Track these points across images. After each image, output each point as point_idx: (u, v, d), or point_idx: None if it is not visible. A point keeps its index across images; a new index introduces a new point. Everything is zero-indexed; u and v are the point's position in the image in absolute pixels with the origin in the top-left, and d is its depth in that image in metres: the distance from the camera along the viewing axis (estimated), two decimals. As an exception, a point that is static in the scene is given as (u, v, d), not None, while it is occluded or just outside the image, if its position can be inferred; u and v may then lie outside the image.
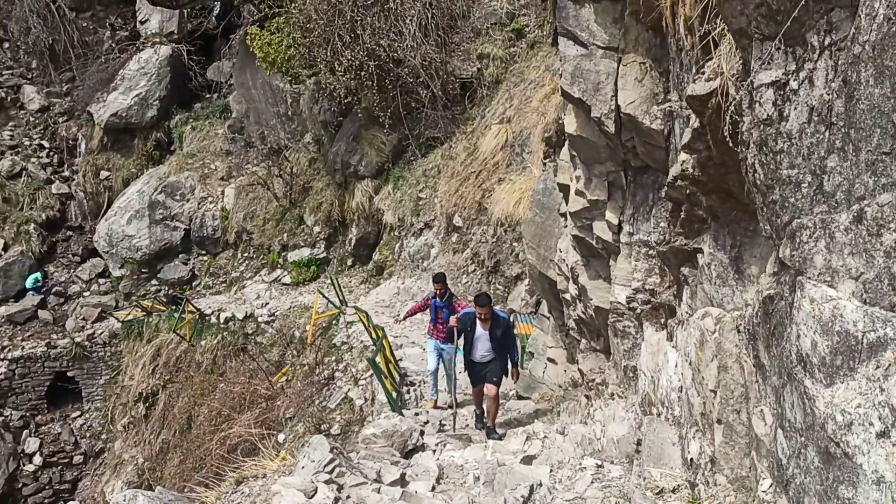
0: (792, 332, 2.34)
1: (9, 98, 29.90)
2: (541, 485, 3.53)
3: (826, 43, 2.07)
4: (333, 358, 14.28)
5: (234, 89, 26.49)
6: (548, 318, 9.13)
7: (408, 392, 10.27)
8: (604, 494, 3.55)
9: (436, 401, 9.92)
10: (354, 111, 20.87)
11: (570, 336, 7.77)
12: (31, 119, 29.66)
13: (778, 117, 2.33)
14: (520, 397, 9.35)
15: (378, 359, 9.37)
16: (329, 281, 19.37)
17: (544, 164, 9.71)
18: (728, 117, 2.58)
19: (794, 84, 2.24)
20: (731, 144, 2.62)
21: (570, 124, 5.27)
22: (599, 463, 3.99)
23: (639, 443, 4.12)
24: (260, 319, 19.88)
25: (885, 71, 1.84)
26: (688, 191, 3.43)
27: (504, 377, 8.87)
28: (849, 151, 2.01)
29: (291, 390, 14.00)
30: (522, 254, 12.43)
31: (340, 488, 4.36)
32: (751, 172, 2.52)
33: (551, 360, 8.89)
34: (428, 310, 10.04)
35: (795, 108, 2.24)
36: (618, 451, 4.48)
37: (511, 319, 9.83)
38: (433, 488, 4.80)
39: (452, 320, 9.02)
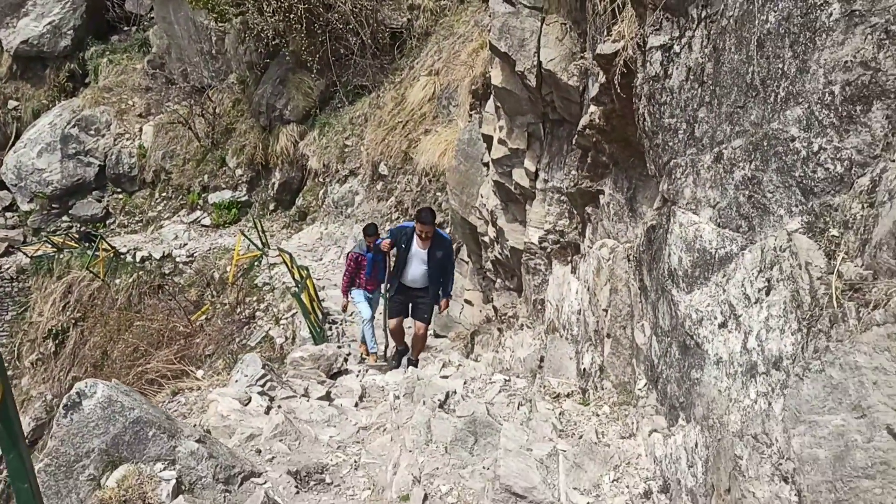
0: (665, 253, 2.86)
1: None
2: (455, 392, 4.02)
3: (703, 15, 2.54)
4: (255, 298, 14.50)
5: (154, 23, 25.72)
6: (466, 263, 9.63)
7: (330, 329, 10.66)
8: (509, 399, 4.07)
9: (375, 354, 8.96)
10: (282, 54, 20.71)
11: (486, 278, 8.30)
12: (-67, 41, 28.03)
13: (663, 75, 2.81)
14: (437, 335, 9.87)
15: (303, 297, 9.68)
16: (252, 224, 19.43)
17: (470, 115, 10.11)
18: (620, 74, 3.05)
19: (676, 48, 2.72)
20: (628, 97, 3.10)
21: (497, 77, 5.69)
22: (507, 378, 4.51)
23: (541, 360, 4.67)
24: (178, 260, 19.78)
25: (743, 41, 2.32)
26: (594, 139, 3.92)
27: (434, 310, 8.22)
28: (714, 105, 2.50)
29: (211, 328, 14.18)
30: (446, 202, 12.85)
31: (272, 399, 4.77)
32: (641, 121, 3.01)
33: (468, 302, 9.41)
34: (360, 269, 9.18)
35: (677, 68, 2.72)
36: (524, 368, 5.03)
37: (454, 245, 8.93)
38: (356, 404, 5.26)
39: (384, 244, 8.06)
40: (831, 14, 2.01)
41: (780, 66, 2.18)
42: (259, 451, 3.80)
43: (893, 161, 1.92)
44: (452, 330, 9.56)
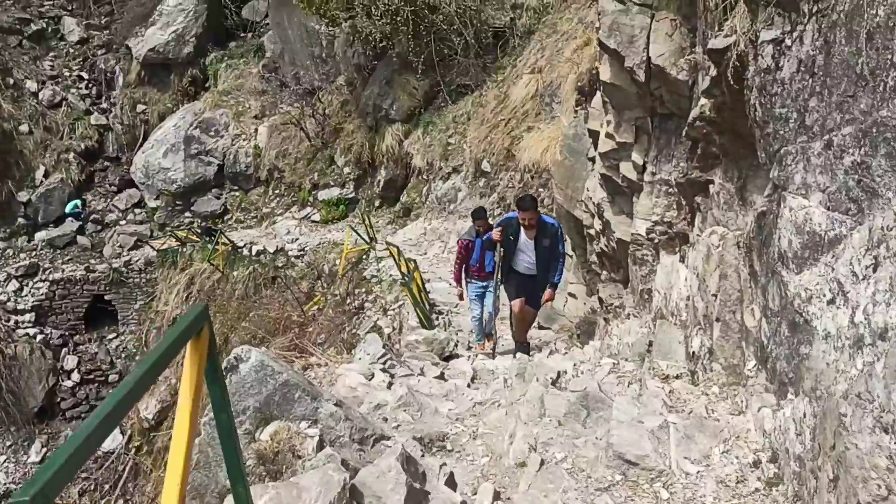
0: (775, 237, 3.01)
1: (49, 29, 30.31)
2: (566, 372, 4.26)
3: (814, 10, 2.69)
4: (363, 290, 15.10)
5: (269, 29, 26.88)
6: (571, 257, 9.80)
7: (437, 319, 11.04)
8: (619, 380, 4.27)
9: (483, 344, 8.93)
10: (388, 56, 21.29)
11: (591, 271, 8.46)
12: (71, 51, 30.08)
13: (775, 67, 2.96)
14: (540, 327, 10.08)
15: (411, 285, 10.08)
16: (359, 219, 20.12)
17: (576, 111, 10.28)
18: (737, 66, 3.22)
19: (788, 42, 2.87)
20: (739, 89, 3.26)
21: (605, 73, 5.88)
22: (616, 361, 4.71)
23: (650, 344, 4.84)
24: (290, 253, 20.75)
25: (853, 34, 2.47)
26: (705, 130, 4.07)
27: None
28: (824, 95, 2.65)
29: (323, 318, 14.85)
30: (549, 197, 13.01)
31: (392, 376, 5.14)
32: (752, 111, 3.17)
33: (572, 295, 9.60)
34: (471, 254, 9.10)
35: (788, 61, 2.87)
36: (632, 352, 5.21)
37: (560, 230, 8.47)
38: (468, 385, 5.57)
39: (495, 233, 7.99)
40: (938, 7, 2.15)
41: (889, 56, 2.33)
42: (385, 419, 4.16)
43: None
44: (556, 322, 9.75)
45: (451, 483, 3.17)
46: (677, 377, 4.06)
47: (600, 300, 7.63)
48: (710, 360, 3.87)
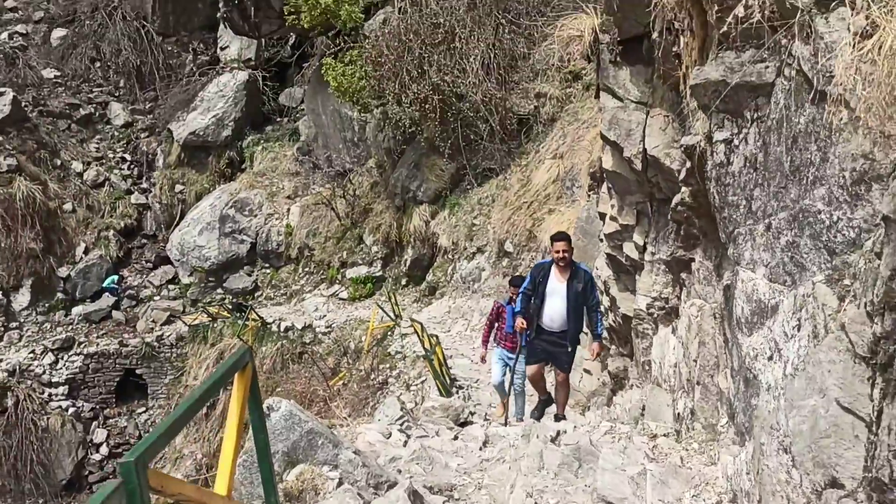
0: (734, 305, 3.48)
1: (97, 113, 31.90)
2: (565, 431, 4.67)
3: (754, 117, 3.23)
4: (388, 365, 15.55)
5: (304, 114, 28.16)
6: (586, 334, 10.21)
7: (456, 392, 11.42)
8: (613, 438, 4.67)
9: (506, 404, 8.82)
10: (417, 140, 22.23)
11: (603, 346, 8.86)
12: (116, 133, 31.54)
13: (727, 162, 3.50)
14: (556, 402, 10.37)
15: (433, 359, 10.50)
16: (385, 297, 20.68)
17: (588, 195, 10.86)
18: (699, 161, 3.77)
19: (736, 141, 3.41)
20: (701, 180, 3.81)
21: (607, 162, 6.47)
22: (612, 425, 5.10)
23: (643, 408, 5.24)
24: (318, 330, 21.29)
25: (783, 137, 3.01)
26: (685, 214, 4.60)
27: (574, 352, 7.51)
28: (764, 186, 3.17)
29: (348, 392, 15.26)
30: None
31: (408, 436, 5.58)
32: (713, 198, 3.69)
33: (587, 371, 9.96)
34: (500, 319, 9.15)
35: (737, 157, 3.41)
36: (628, 416, 5.60)
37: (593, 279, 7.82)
38: (480, 448, 5.96)
39: (519, 324, 7.48)
40: (842, 118, 2.69)
41: (809, 156, 2.86)
42: (399, 471, 4.58)
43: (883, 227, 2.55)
44: (572, 398, 10.07)
45: (452, 518, 3.59)
46: (665, 435, 4.46)
47: (609, 374, 8.03)
48: (692, 420, 4.28)
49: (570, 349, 7.58)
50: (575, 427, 5.03)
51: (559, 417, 7.36)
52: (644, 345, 6.41)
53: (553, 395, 7.90)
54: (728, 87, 3.16)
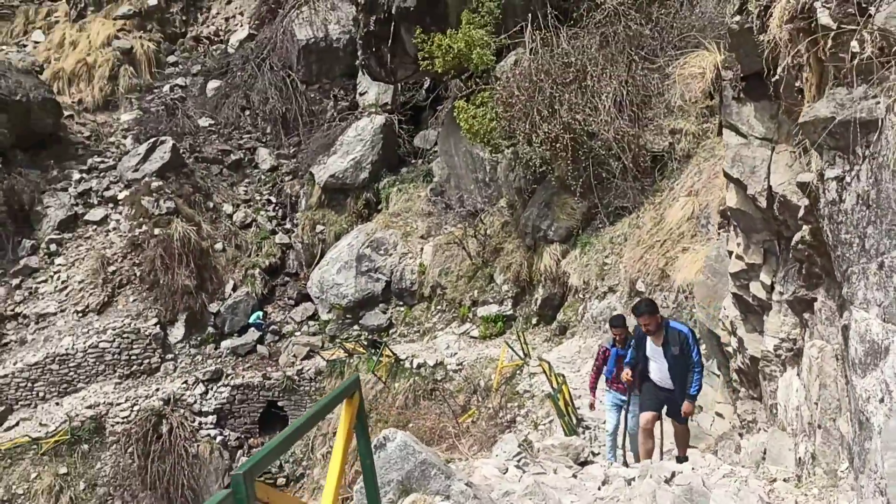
0: (849, 346, 3.37)
1: (246, 158, 34.13)
2: (681, 472, 4.59)
3: (866, 154, 3.16)
4: (516, 404, 15.57)
5: (437, 156, 28.96)
6: (718, 376, 9.90)
7: (583, 433, 11.30)
8: (731, 482, 4.54)
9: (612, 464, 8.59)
10: (548, 179, 22.31)
11: (734, 389, 8.58)
12: (263, 177, 33.57)
13: (839, 200, 3.41)
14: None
15: (558, 398, 10.46)
16: (515, 336, 20.73)
17: (718, 233, 10.58)
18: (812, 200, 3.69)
19: (848, 179, 3.33)
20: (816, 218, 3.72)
21: (731, 199, 6.35)
22: (733, 467, 4.95)
23: (764, 451, 5.05)
24: (449, 367, 21.60)
25: (894, 174, 2.94)
26: (807, 253, 4.47)
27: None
28: (877, 223, 3.09)
29: (476, 429, 15.37)
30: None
31: (524, 472, 5.63)
32: (826, 236, 3.60)
33: (719, 415, 9.63)
34: (607, 363, 9.10)
35: (849, 195, 3.33)
36: (750, 460, 5.40)
37: (696, 335, 8.15)
38: (599, 487, 5.92)
39: (625, 375, 7.78)
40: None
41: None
42: (512, 505, 4.66)
43: None
44: (703, 441, 9.76)
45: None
46: (785, 480, 4.30)
47: (738, 416, 7.74)
48: (814, 464, 4.11)
49: (680, 404, 7.69)
50: (693, 468, 4.92)
51: (681, 459, 7.26)
52: (772, 387, 6.17)
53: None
54: (835, 123, 3.12)
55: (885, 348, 2.93)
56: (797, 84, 4.61)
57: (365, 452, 2.72)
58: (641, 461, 7.54)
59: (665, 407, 8.03)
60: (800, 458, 4.39)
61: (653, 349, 7.67)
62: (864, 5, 3.19)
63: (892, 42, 2.81)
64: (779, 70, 4.58)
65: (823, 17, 3.40)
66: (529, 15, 21.50)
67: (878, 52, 2.93)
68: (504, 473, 5.36)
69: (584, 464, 7.06)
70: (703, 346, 8.99)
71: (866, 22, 3.09)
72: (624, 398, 9.00)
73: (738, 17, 5.12)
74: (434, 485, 4.06)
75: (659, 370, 7.72)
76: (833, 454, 3.95)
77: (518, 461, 5.77)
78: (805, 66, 4.01)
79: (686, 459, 7.05)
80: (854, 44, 3.26)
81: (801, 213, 4.26)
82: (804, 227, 4.38)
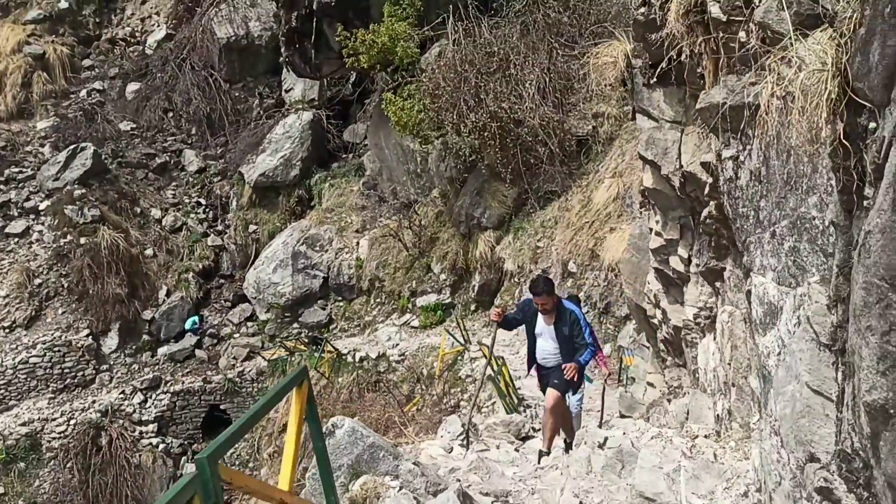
0: (752, 309, 3.73)
1: (172, 161, 33.37)
2: (614, 437, 4.93)
3: (756, 134, 3.50)
4: (459, 389, 15.89)
5: (368, 149, 28.96)
6: (647, 348, 10.38)
7: (523, 411, 11.68)
8: (658, 442, 4.90)
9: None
10: (478, 168, 22.65)
11: (662, 359, 9.04)
12: (191, 179, 32.87)
13: (735, 177, 3.76)
14: (622, 416, 10.57)
15: (499, 379, 10.79)
16: (455, 323, 21.06)
17: (640, 212, 11.05)
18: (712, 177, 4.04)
19: (741, 157, 3.68)
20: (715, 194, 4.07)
21: (647, 180, 6.72)
22: (660, 430, 5.33)
23: (687, 412, 5.45)
24: (391, 359, 21.80)
25: (780, 152, 3.28)
26: (714, 226, 4.84)
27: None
28: (768, 197, 3.43)
29: (422, 417, 15.64)
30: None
31: (468, 450, 5.91)
32: (726, 210, 3.95)
33: (650, 384, 10.10)
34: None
35: (743, 172, 3.67)
36: (675, 421, 5.80)
37: (583, 312, 7.90)
38: (539, 459, 6.25)
39: (493, 313, 7.48)
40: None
41: (802, 168, 3.13)
42: (458, 480, 4.90)
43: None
44: (637, 411, 10.23)
45: (500, 516, 3.90)
46: (706, 437, 4.68)
47: (666, 384, 8.19)
48: (730, 420, 4.49)
49: (564, 378, 7.16)
50: (624, 433, 5.27)
51: (568, 444, 6.96)
52: (693, 354, 6.59)
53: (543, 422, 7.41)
54: (727, 108, 3.45)
55: (780, 308, 3.27)
56: (698, 70, 4.97)
57: (317, 436, 2.93)
58: (547, 439, 7.02)
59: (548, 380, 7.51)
60: (718, 416, 4.77)
61: (542, 327, 7.42)
62: (748, -1, 3.54)
63: (770, 34, 3.14)
64: (681, 59, 4.93)
65: (714, 10, 3.73)
66: (451, 6, 21.74)
67: (760, 42, 3.26)
68: (449, 452, 5.62)
69: (525, 439, 7.40)
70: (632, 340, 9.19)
71: (750, 15, 3.42)
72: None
73: (642, 9, 5.47)
74: (383, 466, 4.28)
75: (545, 349, 7.46)
76: (746, 409, 4.32)
77: (462, 440, 6.05)
78: (703, 55, 4.36)
79: (572, 446, 6.64)
80: (741, 34, 3.60)
81: (707, 189, 4.63)
82: (710, 202, 4.75)
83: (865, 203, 2.19)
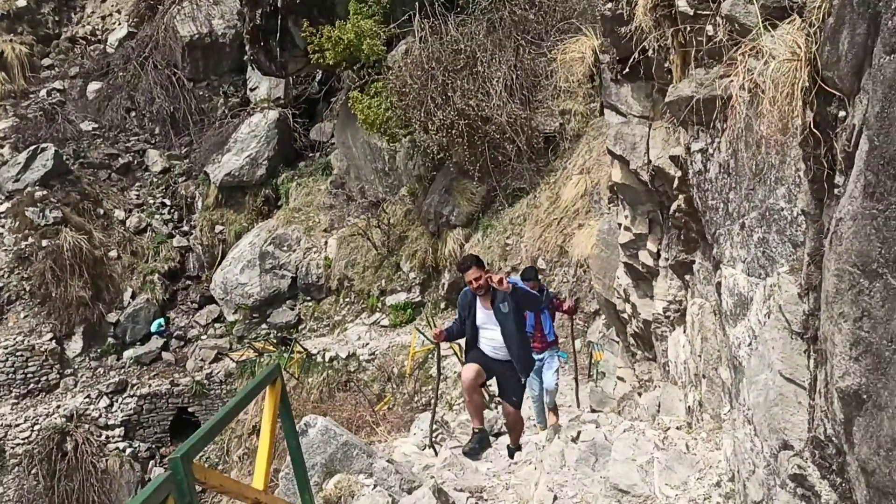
0: (722, 300, 3.76)
1: (135, 161, 32.94)
2: (587, 430, 4.95)
3: (724, 126, 3.54)
4: (430, 388, 15.88)
5: (335, 148, 28.81)
6: (617, 343, 10.46)
7: (495, 407, 11.68)
8: (630, 434, 4.93)
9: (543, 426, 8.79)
10: (446, 166, 22.65)
11: (632, 353, 9.11)
12: (155, 180, 32.49)
13: (704, 170, 3.79)
14: (593, 410, 10.64)
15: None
16: (425, 322, 21.04)
17: (609, 207, 11.13)
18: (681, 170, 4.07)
19: (711, 150, 3.71)
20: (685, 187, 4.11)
21: (616, 175, 6.77)
22: (632, 423, 5.36)
23: (659, 405, 5.50)
24: (361, 358, 21.73)
25: (748, 144, 3.31)
26: (683, 220, 4.88)
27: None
28: (737, 189, 3.47)
29: (393, 416, 15.60)
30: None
31: (442, 447, 5.90)
32: (696, 203, 3.98)
33: (620, 379, 10.18)
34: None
35: (712, 165, 3.71)
36: (647, 414, 5.85)
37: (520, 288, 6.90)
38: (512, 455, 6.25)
39: (435, 333, 6.47)
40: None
41: (770, 160, 3.16)
42: (432, 477, 4.90)
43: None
44: (607, 405, 10.30)
45: (476, 512, 3.90)
46: (677, 428, 4.72)
47: (637, 378, 8.26)
48: (701, 411, 4.54)
49: (521, 380, 6.64)
50: (597, 427, 5.30)
51: (511, 450, 6.40)
52: (664, 347, 6.65)
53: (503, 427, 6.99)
54: (696, 101, 3.48)
55: (750, 298, 3.31)
56: (666, 65, 5.00)
57: (291, 434, 2.89)
58: (473, 421, 6.51)
59: (497, 385, 6.86)
60: (689, 407, 4.82)
61: (483, 314, 6.54)
62: (715, -7, 3.57)
63: (737, 27, 3.17)
64: (648, 54, 4.96)
65: (681, 4, 3.75)
66: (417, 4, 21.69)
67: (727, 35, 3.29)
68: (423, 450, 5.61)
69: (497, 435, 7.41)
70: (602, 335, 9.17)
71: (717, 8, 3.45)
72: (539, 357, 8.89)
73: (609, 4, 5.50)
74: (357, 464, 4.26)
75: (492, 339, 6.58)
76: (717, 400, 4.37)
77: (435, 436, 6.04)
78: (671, 49, 4.39)
79: (519, 448, 6.40)
80: (709, 28, 3.63)
81: (676, 183, 4.67)
82: (679, 196, 4.79)
83: (836, 191, 2.22)
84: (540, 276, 18.73)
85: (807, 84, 2.30)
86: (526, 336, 6.82)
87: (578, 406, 10.23)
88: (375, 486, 4.10)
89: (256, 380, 2.64)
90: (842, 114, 2.17)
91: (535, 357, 8.66)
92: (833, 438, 2.16)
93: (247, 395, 2.52)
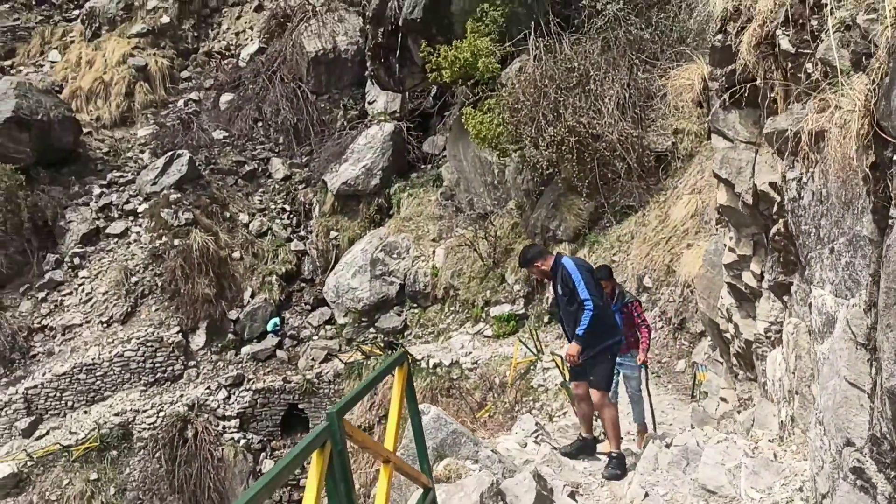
0: (812, 319, 4.01)
1: (260, 169, 34.78)
2: (680, 436, 5.23)
3: (818, 158, 3.81)
4: (531, 398, 16.20)
5: (446, 161, 29.56)
6: (721, 363, 10.53)
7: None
8: (723, 445, 5.18)
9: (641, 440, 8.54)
10: (555, 181, 22.91)
11: (735, 373, 9.21)
12: (277, 186, 34.18)
13: (798, 197, 4.06)
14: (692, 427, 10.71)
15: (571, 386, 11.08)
16: (528, 334, 21.35)
17: (716, 228, 11.21)
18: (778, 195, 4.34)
19: (805, 179, 3.98)
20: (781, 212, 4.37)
21: (721, 197, 6.99)
22: (726, 435, 5.59)
23: (753, 420, 5.69)
24: (464, 366, 22.22)
25: (838, 176, 3.59)
26: (782, 243, 5.11)
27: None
28: (828, 215, 3.74)
29: (493, 424, 16.02)
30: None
31: (541, 445, 6.29)
32: (791, 227, 4.25)
33: (723, 399, 10.25)
34: None
35: (806, 192, 3.97)
36: (742, 428, 6.04)
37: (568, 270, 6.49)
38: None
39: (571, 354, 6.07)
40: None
41: (858, 190, 3.44)
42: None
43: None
44: (708, 424, 10.38)
45: (573, 498, 4.27)
46: (770, 441, 4.94)
47: (738, 397, 8.38)
48: (793, 426, 4.75)
49: (592, 357, 6.32)
50: (692, 437, 5.56)
51: (613, 456, 5.92)
52: (763, 367, 6.80)
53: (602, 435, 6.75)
54: (792, 133, 3.76)
55: (836, 318, 3.56)
56: (771, 95, 5.25)
57: (414, 412, 3.39)
58: (581, 428, 6.55)
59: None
60: (782, 422, 5.02)
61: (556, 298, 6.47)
62: (815, 33, 3.84)
63: (829, 69, 3.45)
64: (755, 83, 5.23)
65: (784, 43, 4.03)
66: (532, 23, 22.14)
67: (822, 76, 3.57)
68: (524, 448, 6.01)
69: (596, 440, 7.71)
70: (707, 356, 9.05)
71: (815, 49, 3.73)
72: (620, 360, 8.53)
73: (719, 36, 5.77)
74: (464, 451, 4.72)
75: (564, 322, 6.54)
76: (808, 415, 4.57)
77: (535, 437, 6.42)
78: (774, 82, 4.66)
79: (618, 458, 5.85)
80: (808, 66, 3.91)
81: (776, 208, 4.91)
82: (779, 220, 5.01)
83: (891, 222, 2.49)
84: (645, 295, 18.77)
85: (865, 131, 2.59)
86: (569, 312, 6.47)
87: (655, 428, 9.54)
88: (481, 470, 4.53)
89: (387, 361, 3.16)
90: (895, 157, 2.45)
91: (618, 359, 8.05)
92: (887, 436, 2.42)
93: (381, 373, 3.03)
